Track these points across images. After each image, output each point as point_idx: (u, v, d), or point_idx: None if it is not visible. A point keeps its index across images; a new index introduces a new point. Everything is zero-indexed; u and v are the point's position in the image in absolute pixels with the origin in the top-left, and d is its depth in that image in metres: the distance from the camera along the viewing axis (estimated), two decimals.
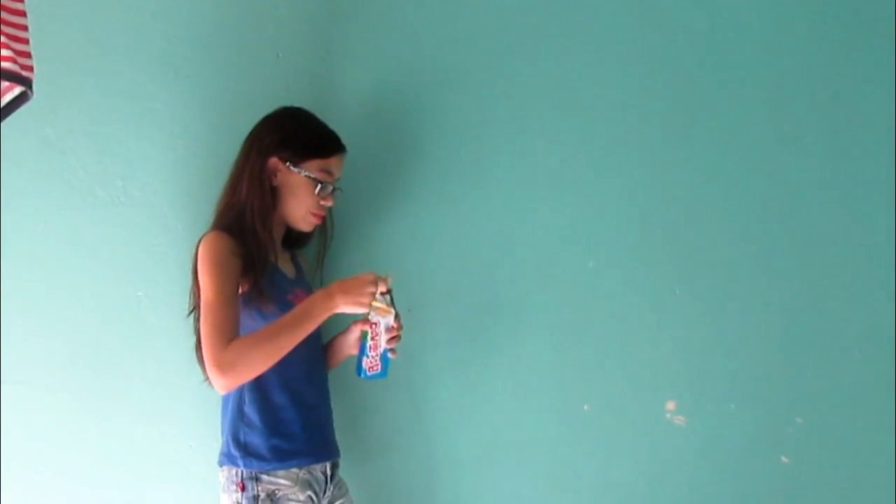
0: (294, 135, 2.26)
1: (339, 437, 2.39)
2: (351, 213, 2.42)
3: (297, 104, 2.33)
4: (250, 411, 2.21)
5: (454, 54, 2.53)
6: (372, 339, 2.24)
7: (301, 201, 2.26)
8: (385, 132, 2.53)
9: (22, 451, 2.47)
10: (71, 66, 2.41)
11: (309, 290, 2.33)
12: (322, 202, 2.27)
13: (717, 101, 2.47)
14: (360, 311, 2.15)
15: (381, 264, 2.38)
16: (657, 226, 2.49)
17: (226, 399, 2.25)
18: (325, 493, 2.28)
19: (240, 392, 2.21)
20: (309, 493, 2.22)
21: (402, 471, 2.59)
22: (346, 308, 2.13)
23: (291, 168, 2.24)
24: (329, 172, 2.27)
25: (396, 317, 2.24)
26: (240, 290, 2.17)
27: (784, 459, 2.59)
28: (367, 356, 2.25)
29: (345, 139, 2.34)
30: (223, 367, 2.05)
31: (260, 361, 2.09)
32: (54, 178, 2.44)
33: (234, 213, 2.22)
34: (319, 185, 2.25)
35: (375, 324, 2.23)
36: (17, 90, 1.71)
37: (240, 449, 2.20)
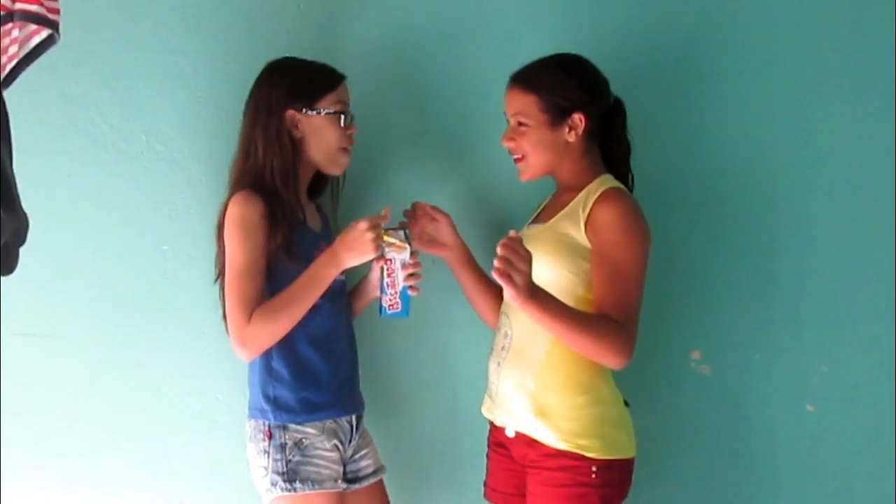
0: (299, 80, 2.24)
1: (364, 388, 2.39)
2: (370, 161, 2.44)
3: (320, 55, 2.32)
4: (279, 366, 2.22)
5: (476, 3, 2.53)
6: (388, 275, 2.22)
7: (329, 140, 2.25)
8: (408, 80, 2.53)
9: (49, 404, 2.48)
10: (93, 19, 2.39)
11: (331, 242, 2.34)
12: (348, 132, 2.27)
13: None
14: (369, 257, 2.13)
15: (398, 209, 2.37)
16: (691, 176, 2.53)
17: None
18: (350, 442, 2.30)
19: (267, 349, 2.21)
20: (335, 441, 2.24)
21: (425, 423, 2.62)
22: (353, 261, 2.13)
23: (309, 112, 2.22)
24: (343, 102, 2.26)
25: (413, 253, 2.22)
26: (273, 246, 2.17)
27: (809, 408, 2.60)
28: (386, 293, 2.23)
29: (368, 87, 2.35)
30: (246, 341, 2.14)
31: (279, 330, 2.15)
32: (78, 133, 2.43)
33: (252, 176, 2.21)
34: (342, 117, 2.24)
35: (391, 260, 2.20)
36: (45, 33, 1.70)
37: (269, 403, 2.21)
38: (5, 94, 1.70)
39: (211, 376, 2.49)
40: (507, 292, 1.87)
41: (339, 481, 2.23)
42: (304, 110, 2.22)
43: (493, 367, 2.25)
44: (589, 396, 2.12)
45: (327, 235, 2.34)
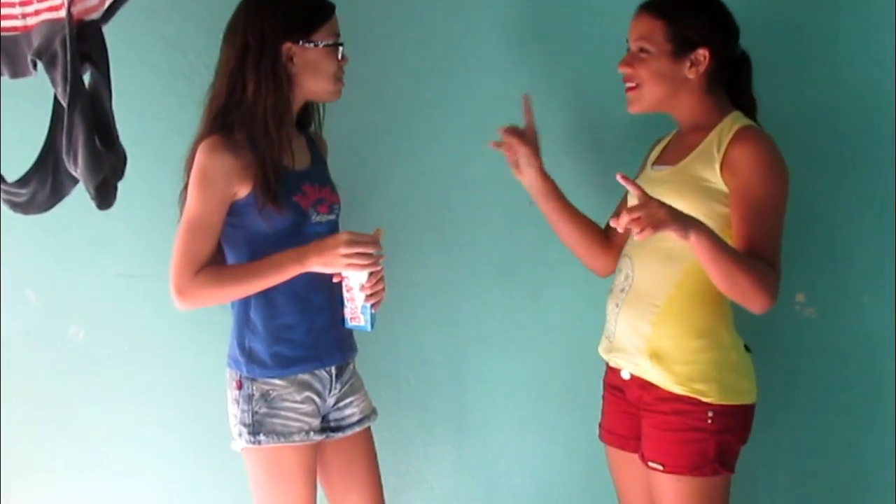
0: (296, 11, 2.11)
1: (459, 331, 2.38)
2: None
3: None
4: (255, 317, 2.17)
5: None
6: (347, 290, 2.13)
7: (325, 74, 2.15)
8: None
9: (151, 343, 2.58)
10: None
11: (319, 181, 2.24)
12: (342, 63, 2.18)
13: None
14: (331, 271, 2.07)
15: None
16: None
17: (234, 303, 2.21)
18: (330, 392, 2.25)
19: (247, 297, 2.16)
20: (307, 393, 2.18)
21: (523, 365, 2.62)
22: (317, 267, 2.06)
23: (306, 45, 2.11)
24: (337, 33, 2.17)
25: (372, 274, 2.11)
26: (245, 193, 2.09)
27: None
28: (347, 307, 2.16)
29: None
30: (184, 293, 2.08)
31: (222, 298, 2.15)
32: (175, 76, 2.47)
33: (238, 116, 2.09)
34: (339, 49, 2.16)
35: (346, 277, 2.12)
36: None
37: (244, 355, 2.17)
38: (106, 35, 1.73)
39: None
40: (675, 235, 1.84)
41: (313, 433, 2.18)
42: (300, 42, 2.12)
43: (611, 308, 2.21)
44: (707, 340, 2.07)
45: (313, 174, 2.25)
